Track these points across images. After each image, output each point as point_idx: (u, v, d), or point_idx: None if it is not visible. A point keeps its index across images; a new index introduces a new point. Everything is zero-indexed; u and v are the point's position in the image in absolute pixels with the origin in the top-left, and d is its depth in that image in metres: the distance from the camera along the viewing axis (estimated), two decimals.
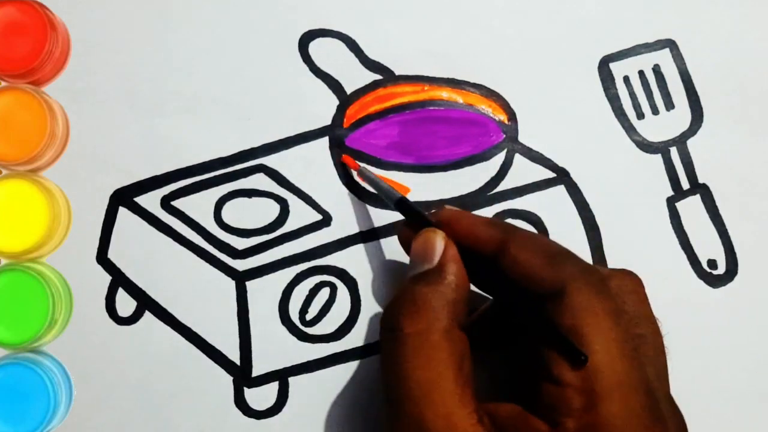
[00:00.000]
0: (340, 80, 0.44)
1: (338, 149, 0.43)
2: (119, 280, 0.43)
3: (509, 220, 0.43)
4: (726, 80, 0.44)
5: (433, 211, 0.39)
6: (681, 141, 0.44)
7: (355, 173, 0.43)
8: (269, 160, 0.43)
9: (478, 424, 0.31)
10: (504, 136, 0.44)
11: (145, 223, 0.43)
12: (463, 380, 0.32)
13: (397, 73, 0.44)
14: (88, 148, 0.43)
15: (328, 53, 0.44)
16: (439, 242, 0.35)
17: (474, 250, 0.35)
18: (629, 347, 0.31)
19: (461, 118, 0.44)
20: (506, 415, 0.32)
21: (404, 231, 0.38)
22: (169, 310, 0.43)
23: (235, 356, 0.42)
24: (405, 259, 0.43)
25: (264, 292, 0.42)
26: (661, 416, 0.31)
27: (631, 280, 0.35)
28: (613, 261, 0.43)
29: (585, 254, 0.43)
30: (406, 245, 0.38)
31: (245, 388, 0.42)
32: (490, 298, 0.38)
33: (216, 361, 0.42)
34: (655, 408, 0.31)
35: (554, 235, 0.43)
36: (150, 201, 0.43)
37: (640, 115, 0.44)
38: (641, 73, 0.44)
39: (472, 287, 0.36)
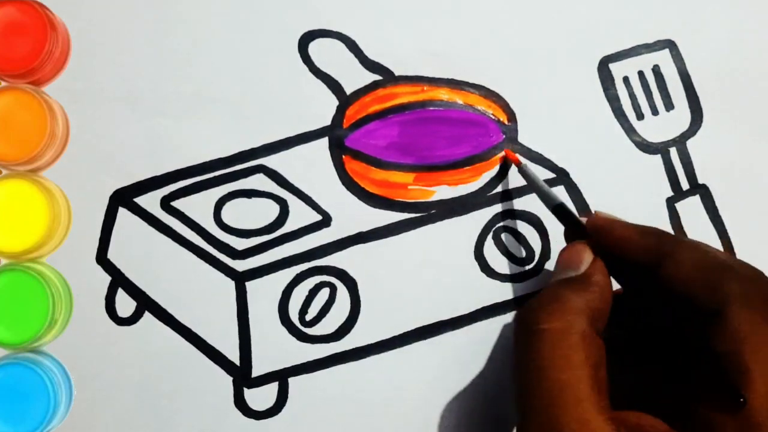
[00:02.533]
0: (339, 81, 0.44)
1: (338, 150, 0.43)
2: (119, 280, 0.43)
3: (509, 222, 0.43)
4: (726, 80, 0.44)
5: (587, 218, 0.39)
6: (681, 141, 0.44)
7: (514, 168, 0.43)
8: (269, 161, 0.43)
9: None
10: (504, 136, 0.44)
11: (144, 224, 0.43)
12: (599, 386, 0.31)
13: (396, 73, 0.44)
14: (88, 148, 0.43)
15: (327, 54, 0.44)
16: (588, 253, 0.35)
17: (627, 259, 0.35)
18: None
19: (461, 119, 0.44)
20: (650, 428, 0.31)
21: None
22: (169, 310, 0.43)
23: (234, 357, 0.42)
24: (404, 259, 0.43)
25: (264, 293, 0.43)
26: None
27: None
28: None
29: None
30: None
31: (245, 389, 0.42)
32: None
33: (216, 362, 0.42)
34: None
35: (554, 236, 0.43)
36: (150, 201, 0.43)
37: (640, 116, 0.44)
38: (641, 74, 0.44)
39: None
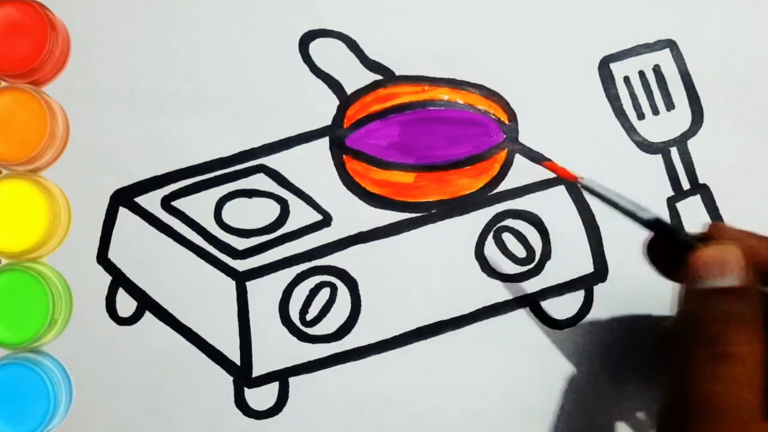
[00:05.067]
0: (340, 80, 0.44)
1: (338, 149, 0.43)
2: (119, 280, 0.43)
3: (509, 221, 0.43)
4: (726, 80, 0.44)
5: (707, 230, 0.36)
6: (681, 141, 0.44)
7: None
8: (269, 161, 0.43)
9: None
10: (504, 136, 0.44)
11: (145, 224, 0.43)
12: (764, 399, 0.31)
13: (397, 73, 0.44)
14: (88, 148, 0.43)
15: (328, 53, 0.44)
16: (740, 258, 0.33)
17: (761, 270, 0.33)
18: None
19: (461, 118, 0.44)
20: None
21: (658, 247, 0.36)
22: (170, 310, 0.43)
23: (235, 356, 0.42)
24: (404, 259, 0.43)
25: (264, 293, 0.43)
26: None
27: None
28: (613, 262, 0.43)
29: (585, 254, 0.43)
30: (667, 265, 0.36)
31: (245, 389, 0.42)
32: None
33: (216, 362, 0.42)
34: None
35: (554, 236, 0.43)
36: (150, 201, 0.43)
37: (641, 116, 0.44)
38: (641, 74, 0.44)
39: None
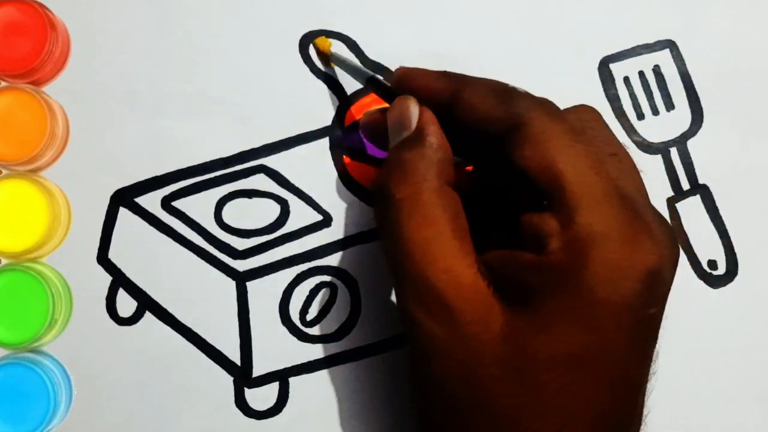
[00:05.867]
0: (340, 81, 0.44)
1: (339, 150, 0.43)
2: (120, 280, 0.43)
3: None
4: (726, 80, 0.45)
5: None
6: (681, 141, 0.44)
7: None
8: (270, 161, 0.43)
9: (478, 274, 0.31)
10: None
11: (145, 224, 0.43)
12: (460, 234, 0.32)
13: None
14: (88, 148, 0.43)
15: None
16: (413, 107, 0.35)
17: (430, 103, 0.35)
18: (594, 160, 0.31)
19: None
20: (496, 259, 0.32)
21: (374, 115, 0.39)
22: (170, 310, 0.43)
23: (235, 356, 0.42)
24: None
25: (264, 293, 0.43)
26: (642, 219, 0.31)
27: (588, 110, 0.36)
28: None
29: None
30: (375, 128, 0.39)
31: (246, 389, 0.42)
32: None
33: (216, 362, 0.42)
34: (632, 211, 0.31)
35: None
36: (150, 201, 0.43)
37: (640, 116, 0.44)
38: (641, 74, 0.44)
39: None
